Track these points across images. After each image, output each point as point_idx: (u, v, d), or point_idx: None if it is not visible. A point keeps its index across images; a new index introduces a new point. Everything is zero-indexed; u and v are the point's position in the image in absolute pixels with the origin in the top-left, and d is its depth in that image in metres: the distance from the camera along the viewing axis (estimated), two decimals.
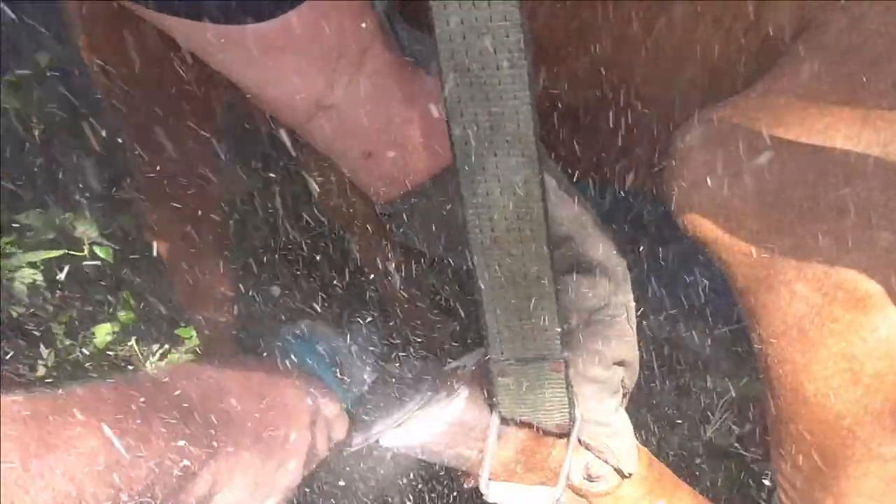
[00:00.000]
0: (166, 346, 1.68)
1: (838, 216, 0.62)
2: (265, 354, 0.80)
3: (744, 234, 0.67)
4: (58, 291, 1.68)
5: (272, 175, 2.15)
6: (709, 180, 0.68)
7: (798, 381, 0.68)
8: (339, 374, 0.81)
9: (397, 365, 0.87)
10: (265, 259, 1.87)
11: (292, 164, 1.66)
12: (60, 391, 0.56)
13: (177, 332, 1.68)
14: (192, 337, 1.66)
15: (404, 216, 0.77)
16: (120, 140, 1.87)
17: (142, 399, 0.57)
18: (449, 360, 0.85)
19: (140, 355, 1.64)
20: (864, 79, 0.64)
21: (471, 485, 0.79)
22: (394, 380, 0.85)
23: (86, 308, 1.67)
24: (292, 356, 0.78)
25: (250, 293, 1.79)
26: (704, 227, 0.69)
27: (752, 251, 0.67)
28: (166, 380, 0.63)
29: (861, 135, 0.62)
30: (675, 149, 0.71)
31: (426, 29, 0.74)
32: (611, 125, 0.85)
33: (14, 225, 1.68)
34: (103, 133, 1.95)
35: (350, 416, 0.82)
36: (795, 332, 0.66)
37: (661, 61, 0.78)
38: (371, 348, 0.87)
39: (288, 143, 1.33)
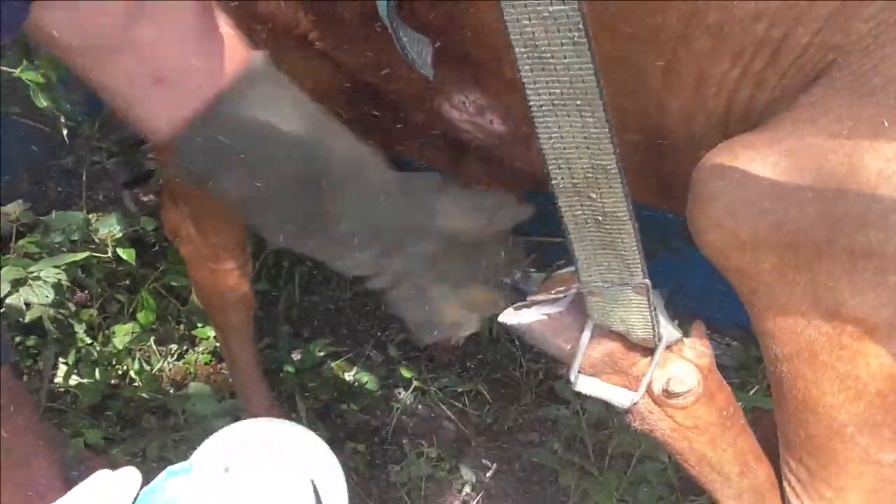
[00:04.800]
0: (184, 347, 1.71)
1: (852, 258, 0.68)
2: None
3: (765, 268, 0.73)
4: (78, 291, 1.71)
5: None
6: (731, 218, 0.74)
7: (808, 394, 0.75)
8: None
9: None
10: (284, 261, 1.89)
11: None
12: None
13: (194, 332, 1.71)
14: (209, 338, 1.69)
15: (194, 148, 0.77)
16: (143, 141, 1.89)
17: None
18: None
19: (158, 355, 1.67)
20: (885, 123, 0.68)
21: (563, 372, 0.89)
22: None
23: (106, 308, 1.70)
24: None
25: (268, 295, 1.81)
26: (727, 259, 0.76)
27: (771, 282, 0.74)
28: None
29: (878, 186, 0.67)
30: (699, 185, 0.77)
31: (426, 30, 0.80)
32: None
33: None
34: (127, 134, 1.98)
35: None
36: (807, 354, 0.74)
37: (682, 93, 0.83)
38: None
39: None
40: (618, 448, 1.51)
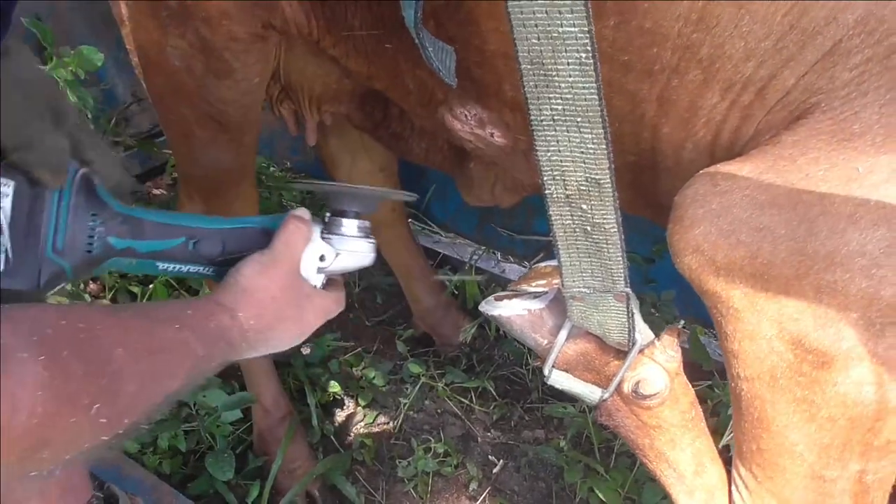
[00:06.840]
0: None
1: (818, 294, 0.74)
2: None
3: (736, 294, 0.79)
4: (91, 283, 1.73)
5: (297, 174, 2.19)
6: (709, 244, 0.78)
7: (764, 413, 0.81)
8: None
9: None
10: None
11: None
12: None
13: None
14: None
15: None
16: (158, 134, 1.90)
17: None
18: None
19: None
20: (860, 169, 0.71)
21: (538, 365, 0.94)
22: None
23: (119, 299, 1.72)
24: None
25: None
26: (702, 282, 0.81)
27: (741, 308, 0.79)
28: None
29: (846, 229, 0.71)
30: (679, 210, 0.81)
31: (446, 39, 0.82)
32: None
33: None
34: (142, 129, 1.99)
35: None
36: (768, 378, 0.80)
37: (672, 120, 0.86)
38: None
39: (313, 141, 1.36)
40: (623, 446, 1.52)
